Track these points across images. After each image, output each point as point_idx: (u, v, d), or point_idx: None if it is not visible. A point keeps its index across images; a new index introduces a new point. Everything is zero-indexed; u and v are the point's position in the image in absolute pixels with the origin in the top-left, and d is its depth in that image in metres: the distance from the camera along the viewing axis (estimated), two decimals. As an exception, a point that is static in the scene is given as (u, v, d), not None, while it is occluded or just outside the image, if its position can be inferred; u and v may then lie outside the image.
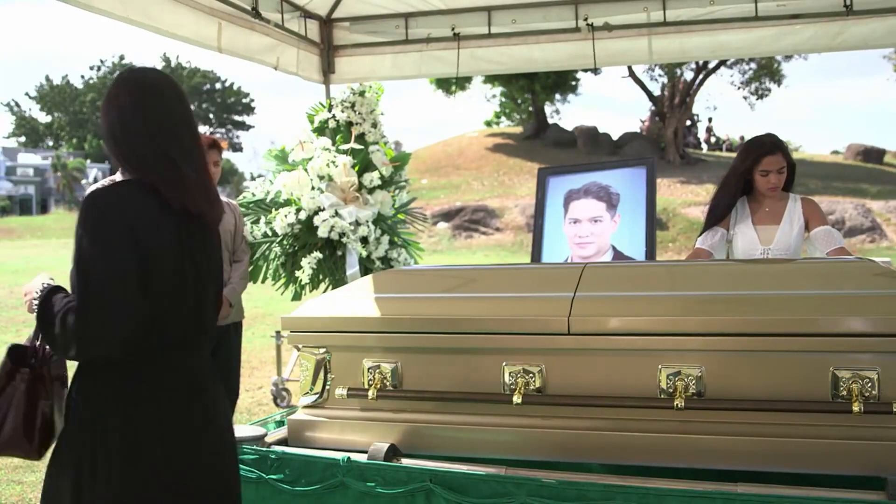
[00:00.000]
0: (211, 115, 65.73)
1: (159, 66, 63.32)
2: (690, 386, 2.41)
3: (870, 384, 2.29)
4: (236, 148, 67.15)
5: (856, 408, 2.24)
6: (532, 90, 34.22)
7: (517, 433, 2.57)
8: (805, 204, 4.02)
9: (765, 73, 33.88)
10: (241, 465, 2.67)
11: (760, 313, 2.39)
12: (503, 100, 38.70)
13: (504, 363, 2.58)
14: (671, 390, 2.42)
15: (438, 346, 2.67)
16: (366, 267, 5.30)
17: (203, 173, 2.18)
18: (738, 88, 34.51)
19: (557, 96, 36.72)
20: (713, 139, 38.28)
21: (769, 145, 3.97)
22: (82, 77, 72.02)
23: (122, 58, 67.41)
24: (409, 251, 5.62)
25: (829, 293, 2.43)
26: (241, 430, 2.88)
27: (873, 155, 32.77)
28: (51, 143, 68.27)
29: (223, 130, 65.49)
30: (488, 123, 40.85)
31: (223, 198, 4.87)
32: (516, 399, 2.49)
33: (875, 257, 2.98)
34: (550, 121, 36.59)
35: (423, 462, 2.55)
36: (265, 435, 2.85)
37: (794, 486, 2.23)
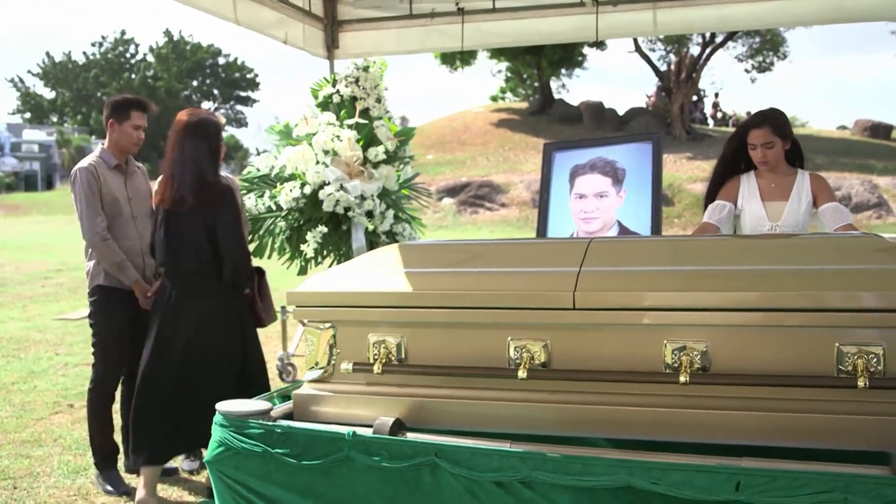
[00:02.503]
0: (215, 91, 65.54)
1: (161, 41, 63.14)
2: (695, 361, 2.41)
3: (875, 360, 2.28)
4: (241, 123, 67.03)
5: (861, 383, 2.23)
6: (538, 65, 34.07)
7: (522, 407, 2.57)
8: (813, 180, 4.00)
9: (768, 46, 33.67)
10: (247, 440, 2.69)
11: (765, 288, 2.39)
12: (509, 75, 38.56)
13: (509, 338, 2.58)
14: (676, 365, 2.42)
15: (443, 321, 2.67)
16: (371, 241, 5.31)
17: None
18: (741, 61, 34.32)
19: (563, 71, 36.57)
20: (719, 115, 38.12)
21: (756, 119, 3.98)
22: (84, 53, 71.67)
23: (123, 33, 67.17)
24: (414, 225, 5.63)
25: (834, 268, 2.42)
26: (247, 404, 2.89)
27: (880, 131, 32.60)
28: (55, 120, 68.23)
29: (227, 106, 65.32)
30: (494, 98, 40.70)
31: (222, 173, 4.88)
32: (521, 373, 2.49)
33: (882, 233, 2.97)
34: (556, 96, 36.45)
35: (428, 436, 2.56)
36: (270, 409, 2.85)
37: (798, 460, 2.24)
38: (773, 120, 3.96)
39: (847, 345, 2.31)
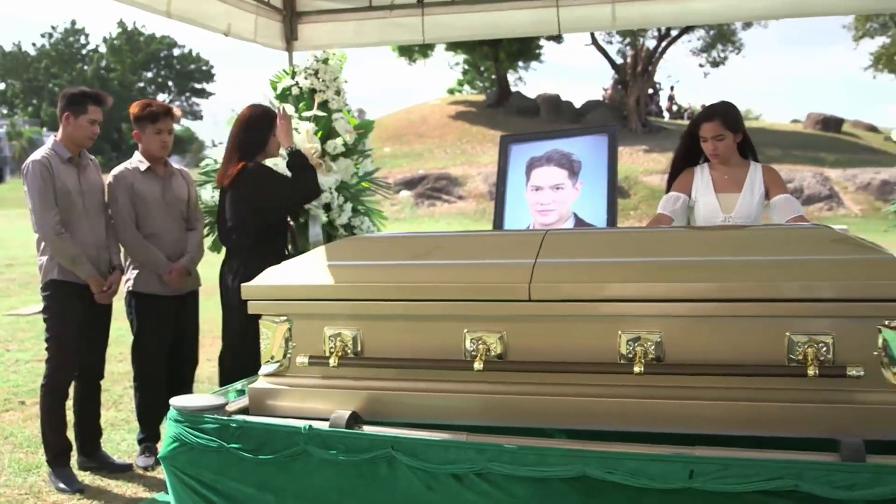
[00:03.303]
0: (170, 83, 64.75)
1: (115, 32, 62.16)
2: (650, 351, 2.43)
3: (825, 348, 2.32)
4: (196, 116, 66.30)
5: (811, 372, 2.27)
6: (495, 58, 34.14)
7: (478, 399, 2.58)
8: (766, 172, 4.05)
9: (722, 41, 34.07)
10: (202, 435, 2.67)
11: (718, 279, 2.41)
12: (466, 67, 38.59)
13: (465, 330, 2.59)
14: (631, 356, 2.44)
15: (399, 314, 2.67)
16: (328, 234, 5.29)
17: None
18: (695, 55, 34.72)
19: (520, 64, 36.70)
20: (675, 108, 38.48)
21: (707, 113, 4.05)
22: (34, 45, 70.34)
23: (73, 23, 65.97)
24: (372, 219, 5.61)
25: (785, 259, 2.45)
26: (201, 399, 2.86)
27: (832, 124, 33.14)
28: (6, 111, 66.92)
29: (182, 98, 64.56)
30: (451, 91, 40.70)
31: (176, 166, 4.84)
32: (477, 365, 2.49)
33: (833, 224, 3.01)
34: (513, 89, 36.54)
35: (384, 429, 2.55)
36: (226, 404, 2.83)
37: (750, 448, 2.27)
38: (724, 113, 4.01)
39: (798, 334, 2.35)
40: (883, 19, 30.06)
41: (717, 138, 3.97)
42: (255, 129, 4.44)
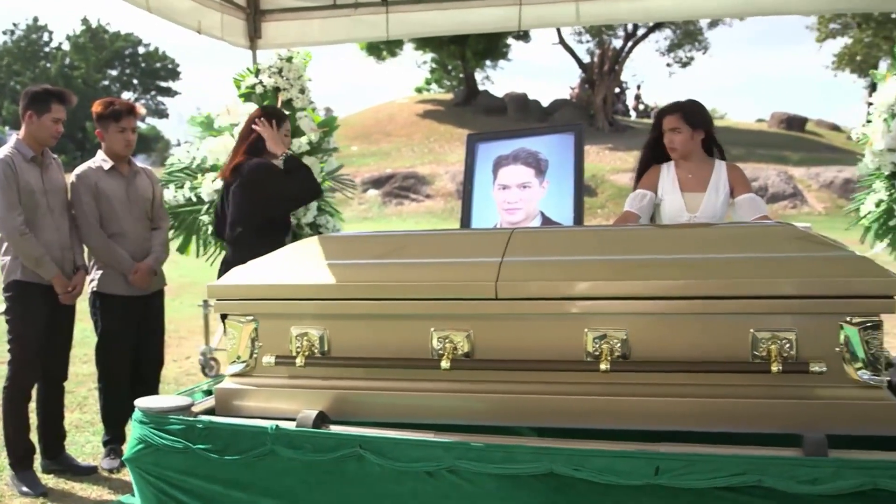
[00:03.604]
0: (134, 81, 64.08)
1: (79, 29, 61.38)
2: (616, 349, 2.45)
3: (788, 345, 2.35)
4: (161, 114, 65.68)
5: (774, 368, 2.29)
6: (462, 57, 34.13)
7: (446, 398, 2.58)
8: (730, 170, 4.08)
9: (688, 40, 34.36)
10: (168, 436, 2.65)
11: (683, 277, 2.43)
12: (433, 66, 38.55)
13: (432, 328, 2.59)
14: (597, 353, 2.45)
15: (366, 313, 2.67)
16: (294, 233, 5.27)
17: None
18: (662, 55, 34.99)
19: (488, 63, 36.73)
20: (641, 107, 38.72)
21: (669, 106, 4.10)
22: (-6, 42, 69.29)
23: (35, 20, 65.07)
24: (336, 218, 5.61)
25: (749, 256, 2.48)
26: (167, 400, 2.84)
27: (796, 123, 33.51)
28: (-34, 109, 65.90)
29: (147, 96, 63.94)
30: (419, 90, 40.66)
31: (140, 164, 4.79)
32: (444, 364, 2.50)
33: (795, 222, 3.05)
34: (481, 87, 36.57)
35: (352, 428, 2.55)
36: (192, 405, 2.81)
37: (715, 444, 2.29)
38: (685, 108, 4.06)
39: (761, 331, 2.38)
40: (845, 20, 30.44)
41: (674, 131, 4.02)
42: (270, 117, 4.46)
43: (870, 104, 5.10)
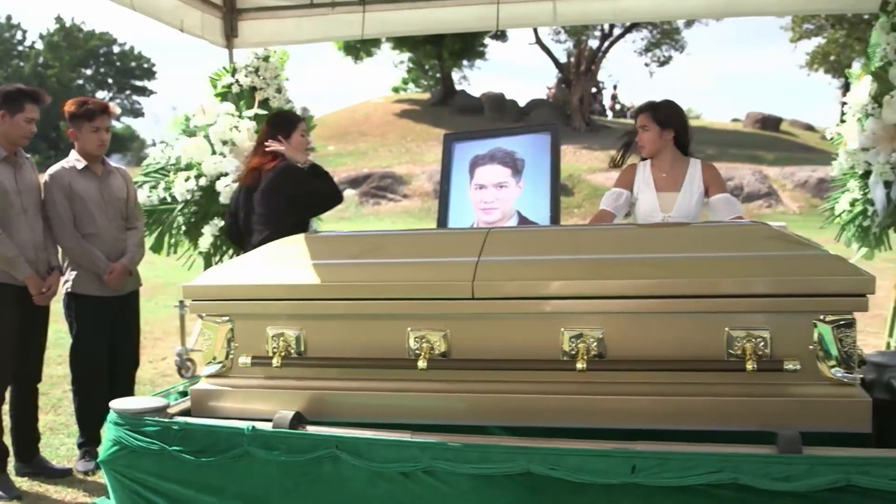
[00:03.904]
0: (109, 80, 63.59)
1: (52, 27, 60.77)
2: (592, 348, 2.45)
3: (762, 343, 2.37)
4: (137, 113, 65.23)
5: (749, 366, 2.31)
6: (439, 56, 34.11)
7: (422, 398, 2.58)
8: (705, 169, 4.11)
9: (666, 40, 34.55)
10: (143, 438, 2.63)
11: (658, 276, 2.45)
12: (410, 66, 38.52)
13: (409, 328, 2.59)
14: (573, 353, 2.46)
15: (343, 313, 2.66)
16: (270, 234, 5.25)
17: None
18: (640, 55, 35.16)
19: (465, 62, 36.73)
20: (618, 107, 38.86)
21: (643, 105, 4.17)
22: (-32, 40, 68.54)
23: (9, 18, 64.44)
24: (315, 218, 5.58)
25: (724, 255, 2.49)
26: (142, 401, 2.82)
27: (770, 123, 33.75)
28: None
29: (122, 96, 63.47)
30: (395, 90, 40.62)
31: (114, 164, 4.76)
32: (421, 364, 2.50)
33: (770, 221, 3.07)
34: (458, 87, 36.57)
35: (328, 429, 2.54)
36: (167, 406, 2.79)
37: (691, 442, 2.30)
38: (655, 107, 4.12)
39: (736, 329, 2.39)
40: (819, 21, 30.68)
41: (643, 129, 4.08)
42: (281, 127, 4.47)
43: (844, 104, 5.14)
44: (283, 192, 4.30)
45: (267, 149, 4.42)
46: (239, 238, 4.63)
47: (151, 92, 65.36)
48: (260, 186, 4.37)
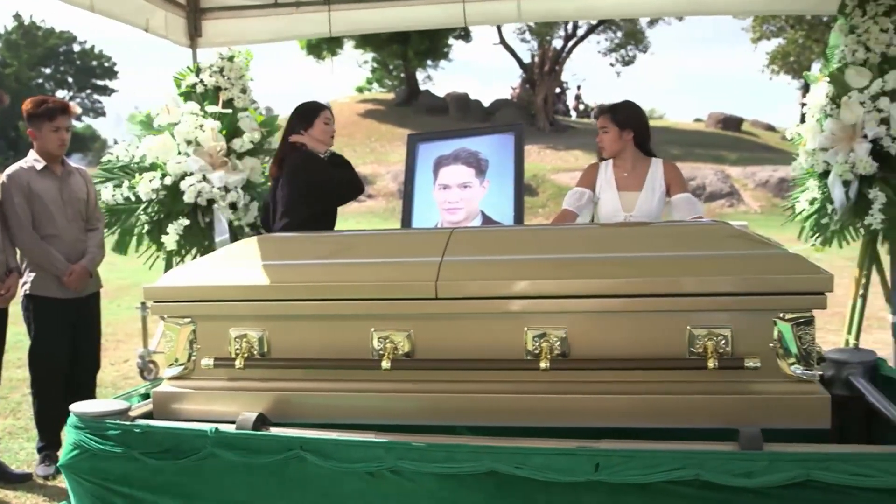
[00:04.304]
0: (70, 79, 62.81)
1: (10, 25, 59.82)
2: (555, 347, 2.46)
3: (723, 341, 2.39)
4: (98, 113, 64.49)
5: (710, 364, 2.33)
6: (404, 56, 34.08)
7: (387, 398, 2.58)
8: (667, 169, 4.15)
9: (630, 40, 34.80)
10: (104, 441, 2.60)
11: (621, 275, 2.46)
12: (375, 65, 38.45)
13: (372, 329, 2.58)
14: (537, 352, 2.46)
15: (306, 314, 2.65)
16: (235, 234, 5.22)
17: None
18: (605, 55, 35.38)
19: (429, 62, 36.73)
20: (582, 107, 39.06)
21: (603, 107, 4.21)
22: (-75, 38, 67.31)
23: (-31, 17, 63.35)
24: (279, 218, 5.56)
25: (686, 255, 2.51)
26: (103, 404, 2.79)
27: (732, 123, 34.09)
28: None
29: (83, 95, 62.73)
30: (360, 90, 40.52)
31: (74, 164, 4.71)
32: (385, 364, 2.49)
33: (732, 221, 3.10)
34: (422, 87, 36.56)
35: (292, 430, 2.53)
36: (129, 409, 2.76)
37: (654, 440, 2.32)
38: (614, 108, 4.17)
39: (698, 328, 2.41)
40: (779, 22, 31.03)
41: (602, 130, 4.13)
42: (302, 118, 4.44)
43: (803, 105, 5.21)
44: (298, 180, 4.26)
45: (289, 140, 4.40)
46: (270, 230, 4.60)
47: (113, 91, 64.57)
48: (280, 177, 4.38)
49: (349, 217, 23.28)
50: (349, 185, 4.43)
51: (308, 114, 4.44)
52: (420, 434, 2.44)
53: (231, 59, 5.56)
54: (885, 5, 4.84)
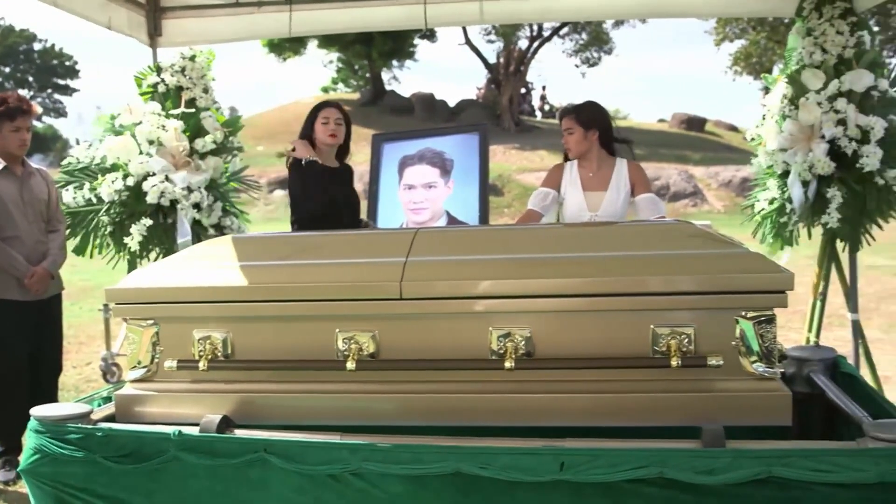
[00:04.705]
0: (30, 78, 61.99)
1: (-34, 22, 58.76)
2: (520, 347, 2.47)
3: (686, 339, 2.41)
4: (59, 113, 63.72)
5: (674, 362, 2.35)
6: (369, 56, 34.01)
7: (352, 399, 2.57)
8: (632, 169, 4.18)
9: (595, 42, 35.00)
10: (65, 445, 2.57)
11: (585, 275, 2.47)
12: (340, 65, 38.34)
13: (337, 329, 2.58)
14: (502, 352, 2.47)
15: (270, 315, 2.63)
16: (198, 234, 5.18)
17: None
18: (570, 56, 35.56)
19: (395, 63, 36.70)
20: (547, 107, 39.20)
21: (565, 109, 4.23)
22: None
23: (-77, 13, 62.30)
24: (242, 219, 5.54)
25: (649, 254, 2.53)
26: (65, 407, 2.75)
27: (695, 123, 34.43)
28: None
29: (44, 95, 61.94)
30: (325, 90, 40.38)
31: (34, 165, 4.65)
32: (350, 365, 2.49)
33: (696, 220, 3.13)
34: (388, 87, 36.52)
35: (257, 432, 2.51)
36: (91, 412, 2.73)
37: (618, 439, 2.33)
38: (577, 109, 4.18)
39: (661, 326, 2.43)
40: (741, 24, 31.34)
41: (567, 132, 4.14)
42: (306, 119, 4.45)
43: (764, 105, 5.27)
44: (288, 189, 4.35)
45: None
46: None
47: (74, 90, 63.85)
48: None
49: (315, 217, 23.16)
50: (297, 199, 4.36)
51: (310, 114, 4.44)
52: (385, 435, 2.43)
53: (193, 58, 5.51)
54: (841, 8, 4.91)
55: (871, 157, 4.61)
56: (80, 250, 5.08)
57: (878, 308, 9.56)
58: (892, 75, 4.94)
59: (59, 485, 2.59)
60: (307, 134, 4.36)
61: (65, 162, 5.40)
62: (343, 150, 4.44)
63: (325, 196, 4.17)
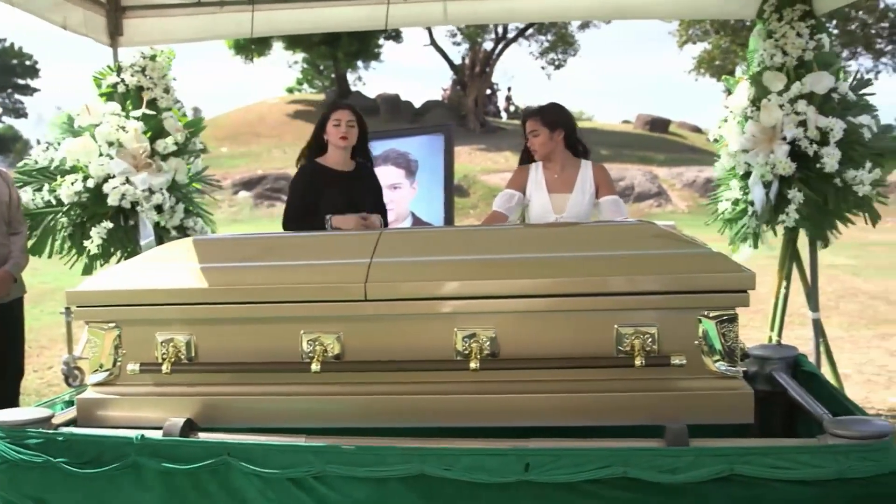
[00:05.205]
0: (-11, 79, 61.12)
1: (-74, 23, 57.68)
2: (485, 347, 2.48)
3: (650, 339, 2.43)
4: (19, 113, 62.87)
5: (637, 362, 2.37)
6: (334, 57, 33.91)
7: (316, 401, 2.56)
8: (596, 171, 4.20)
9: (560, 44, 35.16)
10: (25, 451, 2.53)
11: (549, 275, 2.48)
12: (305, 66, 38.19)
13: (302, 331, 2.57)
14: (467, 352, 2.48)
15: (234, 317, 2.62)
16: (160, 236, 5.13)
17: None
18: (536, 58, 35.70)
19: (360, 63, 36.62)
20: (512, 108, 39.32)
21: (529, 111, 4.25)
22: None
23: None
24: (205, 220, 5.49)
25: (612, 254, 2.55)
26: (25, 412, 2.72)
27: (659, 125, 34.71)
28: None
29: (3, 95, 61.08)
30: (290, 90, 40.21)
31: (-6, 166, 4.57)
32: (314, 367, 2.48)
33: (660, 220, 3.15)
34: (353, 88, 36.45)
35: (220, 435, 2.49)
36: (52, 416, 2.69)
37: (583, 438, 2.34)
38: (542, 111, 4.20)
39: (625, 326, 2.45)
40: (704, 26, 31.62)
41: (533, 134, 4.16)
42: (319, 121, 4.35)
43: (727, 107, 5.31)
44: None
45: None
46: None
47: (35, 90, 62.97)
48: None
49: (279, 219, 23.05)
50: (286, 211, 4.30)
51: (322, 115, 4.37)
52: (350, 437, 2.42)
53: (153, 58, 5.46)
54: (801, 11, 4.97)
55: (830, 158, 4.67)
56: (37, 251, 5.02)
57: (837, 307, 9.70)
58: (852, 78, 5.01)
59: (18, 492, 2.55)
60: (319, 135, 4.29)
61: (21, 164, 5.33)
62: (358, 150, 4.34)
63: (301, 201, 4.21)
